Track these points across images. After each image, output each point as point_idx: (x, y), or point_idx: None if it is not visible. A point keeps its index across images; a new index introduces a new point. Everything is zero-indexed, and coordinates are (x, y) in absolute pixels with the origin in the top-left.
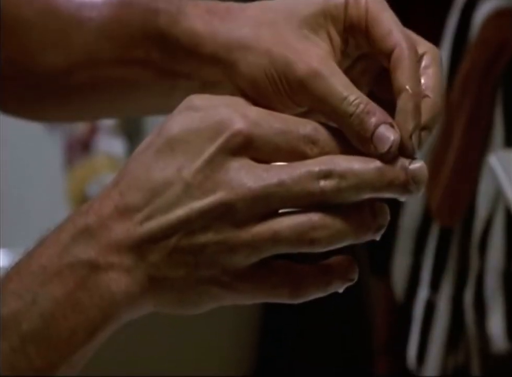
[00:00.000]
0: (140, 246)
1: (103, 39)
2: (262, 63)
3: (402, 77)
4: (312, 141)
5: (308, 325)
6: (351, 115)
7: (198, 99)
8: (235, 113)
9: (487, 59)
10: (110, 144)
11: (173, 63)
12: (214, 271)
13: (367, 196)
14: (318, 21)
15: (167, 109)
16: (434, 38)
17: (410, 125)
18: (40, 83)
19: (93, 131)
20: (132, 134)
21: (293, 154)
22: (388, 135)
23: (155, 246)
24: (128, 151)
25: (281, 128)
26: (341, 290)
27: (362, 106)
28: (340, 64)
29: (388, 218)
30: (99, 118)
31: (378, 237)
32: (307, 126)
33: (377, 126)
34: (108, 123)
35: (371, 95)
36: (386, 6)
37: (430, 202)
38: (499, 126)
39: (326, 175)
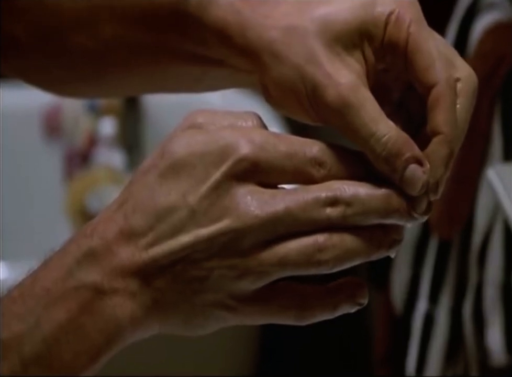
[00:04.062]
0: (145, 272)
1: (134, 23)
2: (292, 77)
3: (440, 119)
4: (319, 163)
5: (308, 337)
6: (379, 154)
7: (201, 116)
8: (240, 138)
9: (485, 73)
10: (109, 156)
11: (203, 49)
12: (220, 296)
13: (373, 222)
14: (352, 40)
15: (198, 91)
16: None
17: (440, 172)
18: (71, 60)
19: (92, 144)
20: (131, 146)
21: (300, 177)
22: (417, 178)
23: (160, 272)
24: (127, 163)
25: (287, 151)
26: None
27: (389, 146)
28: (372, 75)
29: (403, 232)
30: (130, 95)
31: (393, 254)
32: (313, 148)
33: (406, 167)
34: (107, 135)
35: (400, 102)
36: (429, 30)
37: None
38: (497, 140)
39: (333, 202)
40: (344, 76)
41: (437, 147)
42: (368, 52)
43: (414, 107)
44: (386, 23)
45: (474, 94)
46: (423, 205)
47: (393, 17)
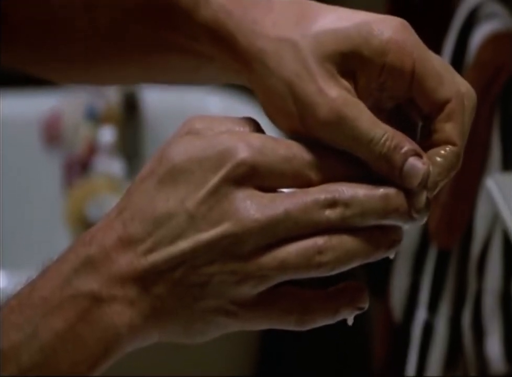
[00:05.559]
0: (144, 279)
1: (127, 15)
2: (282, 92)
3: (454, 132)
4: (317, 166)
5: (307, 345)
6: (379, 154)
7: (198, 122)
8: (238, 142)
9: (484, 82)
10: (109, 164)
11: (195, 44)
12: (220, 301)
13: (372, 222)
14: (344, 61)
15: (194, 83)
16: None
17: (443, 176)
18: (67, 48)
19: (92, 152)
20: (131, 155)
21: (298, 180)
22: (418, 169)
23: (159, 278)
24: (126, 171)
25: (285, 155)
26: (350, 321)
27: (388, 143)
28: (364, 96)
29: (402, 232)
30: (126, 84)
31: (392, 255)
32: (311, 151)
33: (405, 160)
34: (107, 144)
35: (397, 110)
36: (429, 51)
37: (428, 223)
38: (496, 149)
39: (331, 203)
40: (335, 91)
41: (449, 155)
42: (360, 74)
43: (408, 115)
44: (385, 52)
45: (474, 109)
46: (422, 200)
47: (393, 46)
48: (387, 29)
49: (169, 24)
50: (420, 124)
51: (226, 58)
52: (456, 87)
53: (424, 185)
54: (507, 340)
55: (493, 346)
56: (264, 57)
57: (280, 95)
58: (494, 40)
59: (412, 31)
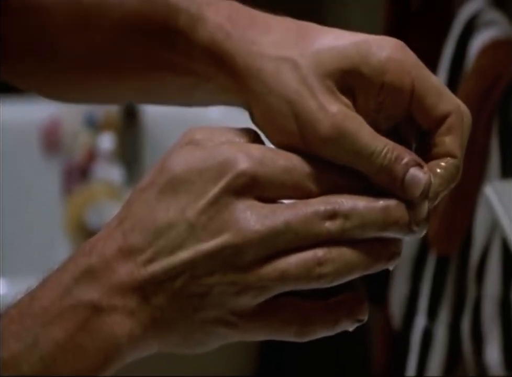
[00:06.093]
0: (144, 289)
1: (123, 33)
2: (282, 109)
3: (455, 145)
4: (317, 177)
5: (307, 352)
6: (380, 166)
7: (199, 133)
8: (238, 153)
9: (483, 90)
10: (108, 171)
11: (193, 64)
12: (220, 312)
13: (372, 235)
14: (344, 79)
15: (190, 104)
16: (430, 68)
17: (444, 186)
18: (60, 64)
19: (91, 158)
20: (130, 161)
21: (299, 191)
22: (419, 179)
23: (159, 288)
24: (126, 178)
25: (286, 166)
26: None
27: (389, 155)
28: (362, 114)
29: (402, 244)
30: (121, 103)
31: (391, 266)
32: (311, 163)
33: (407, 171)
34: (106, 150)
35: (394, 130)
36: (426, 68)
37: (427, 230)
38: (495, 157)
39: (331, 215)
40: (336, 107)
41: (449, 166)
42: (360, 94)
43: (404, 135)
44: (384, 71)
45: (470, 127)
46: (423, 212)
47: (391, 65)
48: (385, 48)
49: (167, 44)
50: (414, 145)
51: (224, 78)
52: (455, 102)
53: (425, 195)
54: (506, 347)
55: (493, 353)
56: (263, 77)
57: (280, 113)
58: (494, 47)
59: (410, 51)
